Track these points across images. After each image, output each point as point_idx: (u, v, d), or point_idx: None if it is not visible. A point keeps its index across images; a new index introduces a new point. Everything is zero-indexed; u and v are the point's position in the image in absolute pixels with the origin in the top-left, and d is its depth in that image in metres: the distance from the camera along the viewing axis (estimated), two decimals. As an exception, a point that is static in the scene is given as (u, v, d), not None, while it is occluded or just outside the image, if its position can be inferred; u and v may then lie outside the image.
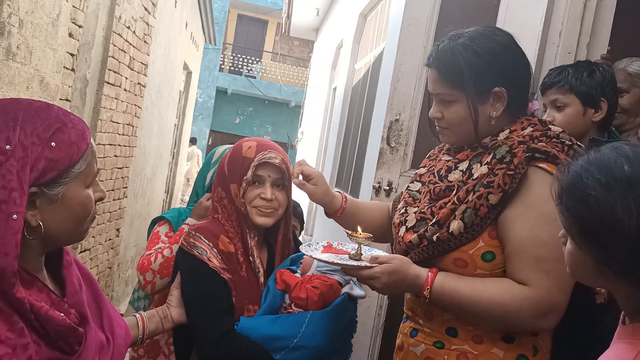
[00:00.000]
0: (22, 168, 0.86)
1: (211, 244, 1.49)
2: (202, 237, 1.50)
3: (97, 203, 1.05)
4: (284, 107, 18.69)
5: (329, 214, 1.68)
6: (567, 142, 1.31)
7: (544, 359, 1.33)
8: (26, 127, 0.89)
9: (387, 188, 2.56)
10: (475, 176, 1.33)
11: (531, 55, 1.46)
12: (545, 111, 1.84)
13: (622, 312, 0.95)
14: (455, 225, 1.30)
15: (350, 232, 1.42)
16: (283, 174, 1.56)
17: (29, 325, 0.88)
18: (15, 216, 0.85)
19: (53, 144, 0.91)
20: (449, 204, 1.34)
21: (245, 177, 1.52)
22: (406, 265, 1.33)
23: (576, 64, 1.82)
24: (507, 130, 1.37)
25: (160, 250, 1.97)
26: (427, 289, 1.30)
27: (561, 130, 1.36)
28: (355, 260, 1.38)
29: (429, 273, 1.32)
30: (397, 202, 1.63)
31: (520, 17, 1.99)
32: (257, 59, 19.71)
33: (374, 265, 1.33)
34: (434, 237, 1.34)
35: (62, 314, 0.93)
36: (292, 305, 1.50)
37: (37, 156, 0.89)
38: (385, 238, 1.70)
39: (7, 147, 0.86)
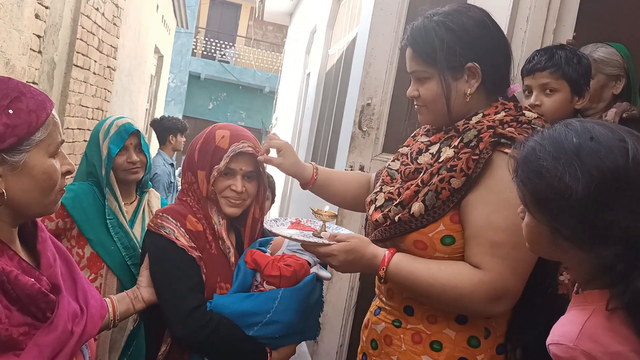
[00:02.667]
0: None
1: (178, 224, 1.51)
2: (170, 218, 1.52)
3: (66, 177, 1.06)
4: (258, 93, 18.54)
5: (302, 185, 1.70)
6: (538, 128, 1.29)
7: (496, 342, 1.34)
8: None
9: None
10: (441, 159, 1.34)
11: (499, 40, 1.48)
12: (526, 92, 1.83)
13: (576, 284, 1.02)
14: (416, 207, 1.31)
15: (315, 209, 1.43)
16: (254, 166, 1.58)
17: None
18: None
19: (10, 111, 0.93)
20: (413, 185, 1.36)
21: (217, 167, 1.53)
22: (364, 244, 1.34)
23: (561, 47, 1.80)
24: (480, 114, 1.37)
25: None
26: (383, 269, 1.31)
27: (536, 116, 1.35)
28: (316, 237, 1.39)
29: (387, 253, 1.32)
30: (378, 177, 1.64)
31: (489, 3, 2.02)
32: (231, 44, 19.48)
33: (332, 243, 1.34)
34: (396, 218, 1.34)
35: (32, 279, 0.95)
36: (264, 283, 1.52)
37: None
38: (363, 209, 1.72)
39: None
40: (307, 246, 1.39)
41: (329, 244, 1.35)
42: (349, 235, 1.38)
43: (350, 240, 1.35)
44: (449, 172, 1.28)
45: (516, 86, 1.43)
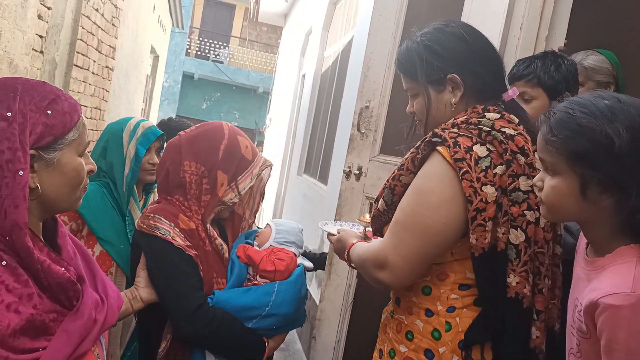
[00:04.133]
0: (22, 131, 0.97)
1: (172, 224, 1.55)
2: (162, 218, 1.56)
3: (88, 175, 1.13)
4: (252, 93, 18.58)
5: None
6: (485, 128, 1.37)
7: (458, 337, 1.37)
8: (25, 97, 1.00)
9: (357, 172, 2.65)
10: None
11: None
12: None
13: (587, 247, 1.13)
14: (380, 203, 1.48)
15: (359, 217, 1.80)
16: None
17: (32, 278, 0.97)
18: (21, 172, 0.95)
19: (49, 112, 1.01)
20: (383, 184, 1.51)
21: (251, 185, 1.65)
22: (348, 237, 1.64)
23: (543, 55, 1.86)
24: (452, 120, 1.44)
25: None
26: (346, 252, 1.58)
27: (497, 117, 1.39)
28: (330, 227, 1.82)
29: (352, 242, 1.59)
30: None
31: (485, 10, 2.09)
32: (225, 44, 19.50)
33: (335, 234, 1.71)
34: (371, 214, 1.56)
35: (62, 269, 1.02)
36: (257, 276, 1.63)
37: (35, 122, 0.99)
38: None
39: (9, 114, 0.97)
40: (329, 235, 1.75)
41: (334, 235, 1.71)
42: (343, 229, 1.74)
43: (341, 233, 1.69)
44: (399, 171, 1.43)
45: (513, 90, 1.49)
